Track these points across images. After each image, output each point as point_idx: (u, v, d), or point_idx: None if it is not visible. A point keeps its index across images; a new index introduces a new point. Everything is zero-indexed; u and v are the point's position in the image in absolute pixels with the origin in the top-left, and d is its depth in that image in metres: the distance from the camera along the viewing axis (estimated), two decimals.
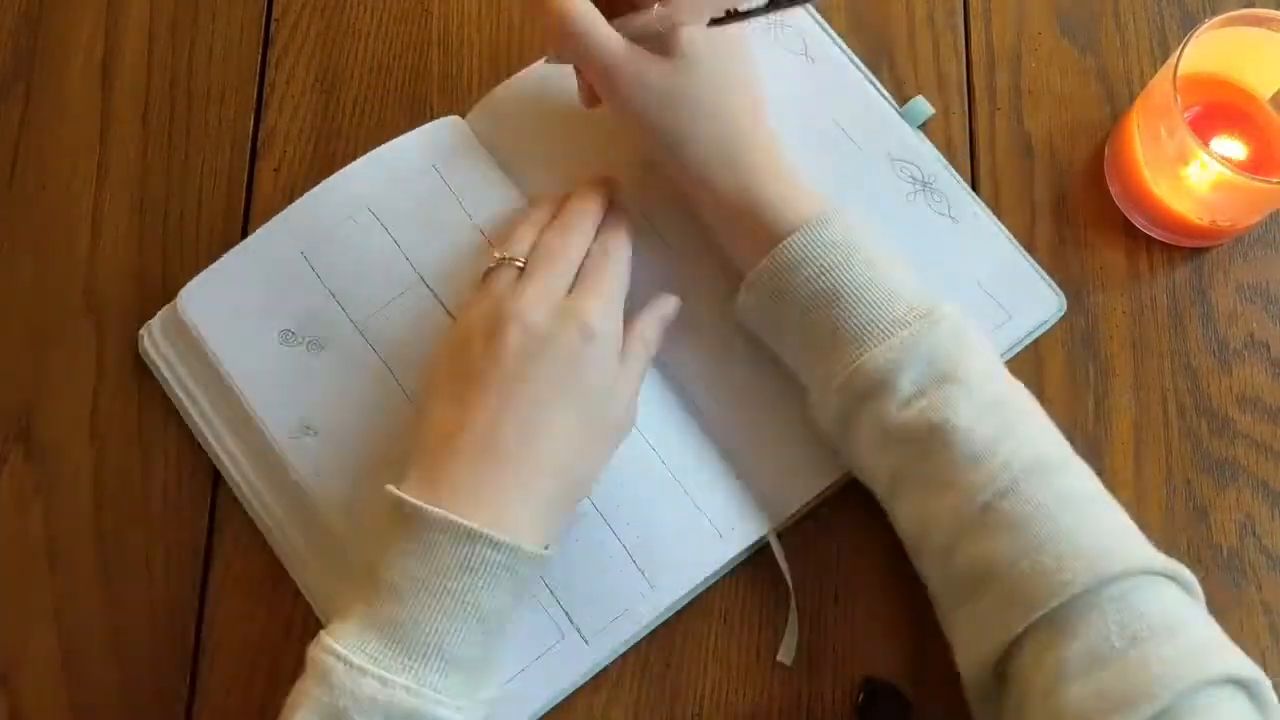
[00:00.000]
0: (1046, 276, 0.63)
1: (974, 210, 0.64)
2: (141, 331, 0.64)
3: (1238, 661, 0.49)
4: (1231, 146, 0.62)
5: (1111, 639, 0.48)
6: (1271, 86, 0.63)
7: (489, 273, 0.58)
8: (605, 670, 0.59)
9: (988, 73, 0.68)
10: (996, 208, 0.66)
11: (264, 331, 0.62)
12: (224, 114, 0.68)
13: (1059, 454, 0.54)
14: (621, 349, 0.57)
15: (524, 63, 0.68)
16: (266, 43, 0.70)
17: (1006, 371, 0.56)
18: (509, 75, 0.67)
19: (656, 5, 0.56)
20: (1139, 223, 0.65)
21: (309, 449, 0.60)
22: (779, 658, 0.59)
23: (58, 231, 0.66)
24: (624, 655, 0.60)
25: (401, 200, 0.63)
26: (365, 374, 0.61)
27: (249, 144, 0.68)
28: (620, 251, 0.60)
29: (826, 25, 0.67)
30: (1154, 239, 0.65)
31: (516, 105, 0.66)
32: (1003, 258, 0.64)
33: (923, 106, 0.66)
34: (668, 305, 0.61)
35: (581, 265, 0.58)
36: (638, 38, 0.57)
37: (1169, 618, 0.49)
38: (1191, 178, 0.60)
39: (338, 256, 0.63)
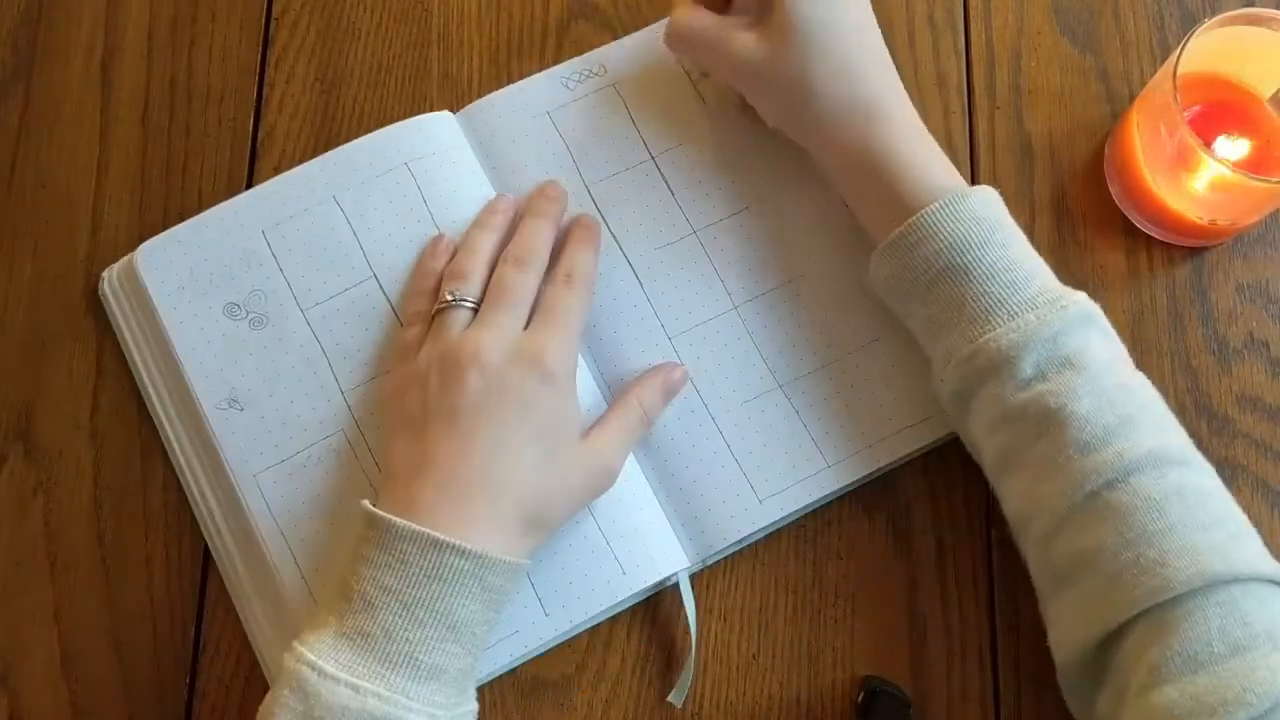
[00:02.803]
0: None
1: None
2: (104, 274, 0.64)
3: None
4: (1232, 146, 0.62)
5: (1213, 644, 0.48)
6: (1271, 86, 0.63)
7: (441, 311, 0.58)
8: (605, 669, 0.60)
9: (987, 72, 0.68)
10: None
11: (211, 301, 0.62)
12: (224, 114, 0.68)
13: (1178, 449, 0.53)
14: (614, 404, 0.59)
15: (524, 63, 0.68)
16: (266, 43, 0.70)
17: (1131, 365, 0.56)
18: (509, 75, 0.68)
19: None
20: (1139, 222, 0.65)
21: (233, 422, 0.61)
22: (669, 699, 0.59)
23: (58, 231, 0.66)
24: (624, 654, 0.60)
25: (369, 195, 0.64)
26: (300, 357, 0.62)
27: (249, 144, 0.68)
28: (582, 279, 0.60)
29: None
30: (1154, 239, 0.65)
31: (510, 110, 0.66)
32: None
33: None
34: (675, 376, 0.61)
35: (540, 293, 0.59)
36: (750, 7, 0.59)
37: (1274, 628, 0.48)
38: (1191, 177, 0.60)
39: (297, 241, 0.63)
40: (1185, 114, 0.58)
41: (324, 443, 0.61)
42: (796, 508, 0.61)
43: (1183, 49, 0.58)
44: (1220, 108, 0.63)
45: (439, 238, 0.63)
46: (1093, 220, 0.66)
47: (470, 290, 0.59)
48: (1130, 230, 0.65)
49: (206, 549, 0.61)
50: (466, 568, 0.52)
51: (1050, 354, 0.53)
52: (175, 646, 0.60)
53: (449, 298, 0.58)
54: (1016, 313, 0.54)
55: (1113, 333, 0.56)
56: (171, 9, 0.70)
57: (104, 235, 0.66)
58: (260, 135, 0.68)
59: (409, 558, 0.52)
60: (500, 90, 0.67)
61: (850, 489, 0.61)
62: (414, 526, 0.52)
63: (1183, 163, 0.60)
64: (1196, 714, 0.46)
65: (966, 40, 0.69)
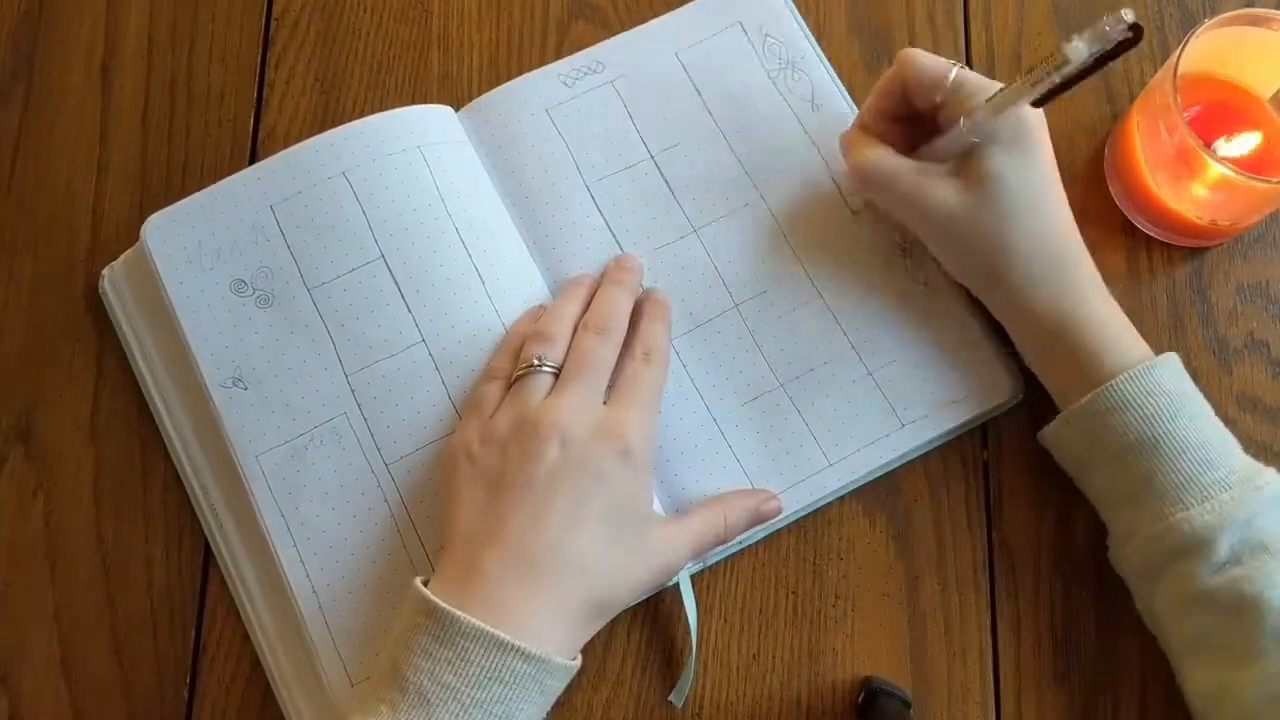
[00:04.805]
0: (1008, 363, 0.62)
1: (947, 283, 0.64)
2: (104, 271, 0.64)
3: None
4: (1232, 146, 0.62)
5: None
6: (1271, 86, 0.63)
7: (521, 376, 0.57)
8: (605, 669, 0.60)
9: (987, 72, 0.68)
10: None
11: (218, 276, 0.62)
12: (224, 114, 0.68)
13: None
14: (702, 507, 0.58)
15: (524, 63, 0.68)
16: (266, 43, 0.70)
17: None
18: (509, 75, 0.68)
19: (962, 119, 0.56)
20: (1139, 223, 0.65)
21: (237, 401, 0.61)
22: (669, 699, 0.59)
23: (58, 231, 0.66)
24: (624, 654, 0.60)
25: (380, 175, 0.63)
26: (305, 338, 0.62)
27: (249, 144, 0.68)
28: (659, 356, 0.59)
29: (836, 77, 0.67)
30: (1154, 239, 0.65)
31: (511, 109, 0.66)
32: (965, 340, 0.62)
33: None
34: (769, 507, 0.60)
35: (618, 367, 0.58)
36: (947, 157, 0.58)
37: None
38: (1191, 178, 0.60)
39: (305, 218, 0.63)
40: (1185, 114, 0.58)
41: (327, 425, 0.61)
42: (796, 508, 0.61)
43: (1183, 49, 0.58)
44: (1220, 108, 0.63)
45: (533, 308, 0.62)
46: (1093, 220, 0.66)
47: (554, 355, 0.58)
48: (1130, 230, 0.65)
49: (207, 549, 0.61)
50: (528, 671, 0.50)
51: (1245, 537, 0.52)
52: (175, 647, 0.60)
53: (534, 361, 0.57)
54: (1210, 493, 0.53)
55: None
56: (171, 9, 0.70)
57: (104, 235, 0.66)
58: (260, 135, 0.68)
59: (470, 656, 0.50)
60: (498, 88, 0.67)
61: (850, 489, 0.61)
62: (480, 626, 0.50)
63: (1183, 163, 0.60)
64: None
65: (966, 40, 0.69)
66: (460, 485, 0.56)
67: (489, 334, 0.62)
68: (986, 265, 0.58)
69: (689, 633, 0.59)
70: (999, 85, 0.56)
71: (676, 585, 0.59)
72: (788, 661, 0.60)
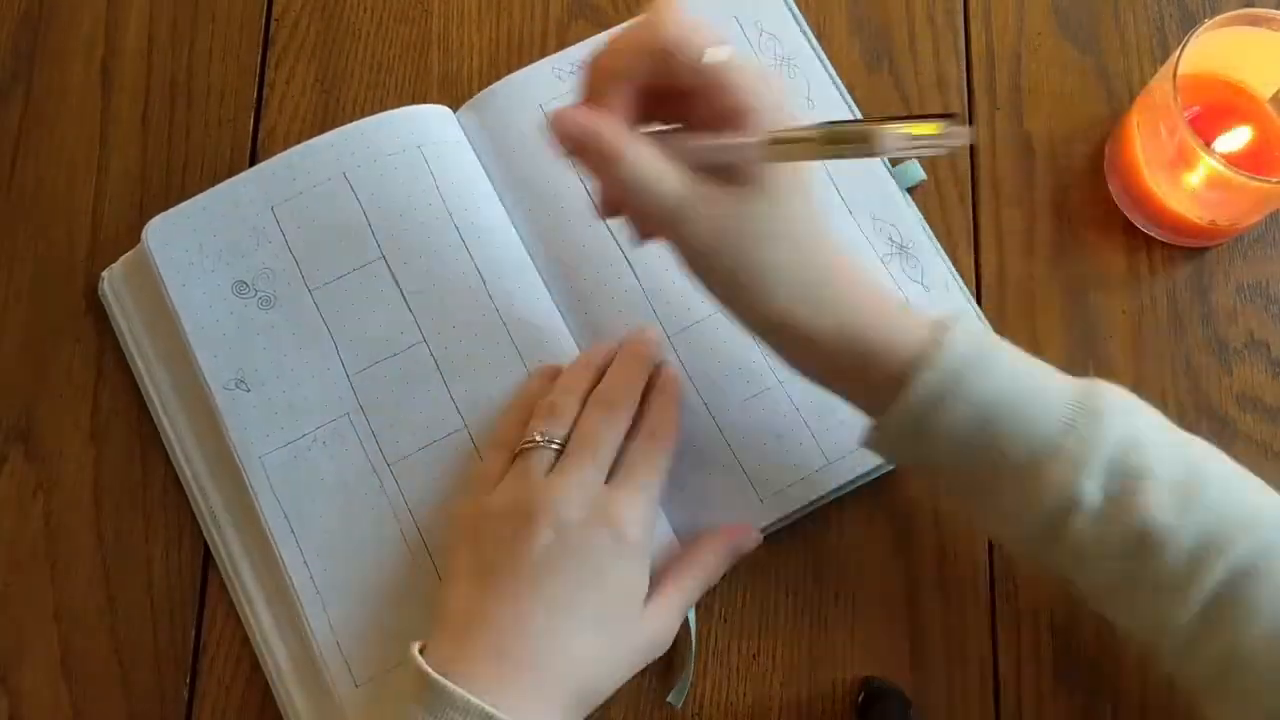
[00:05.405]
0: None
1: (946, 281, 0.64)
2: (103, 273, 0.64)
3: None
4: (1232, 146, 0.62)
5: None
6: (1271, 86, 0.63)
7: (524, 451, 0.56)
8: None
9: (988, 73, 0.68)
10: (997, 208, 0.66)
11: (219, 278, 0.62)
12: (224, 114, 0.68)
13: (1266, 510, 0.49)
14: (678, 570, 0.56)
15: (524, 63, 0.68)
16: (266, 43, 0.70)
17: (1179, 431, 0.52)
18: (509, 75, 0.67)
19: (741, 135, 0.49)
20: (1139, 222, 0.65)
21: (240, 402, 0.61)
22: (669, 699, 0.59)
23: (58, 232, 0.66)
24: None
25: (380, 175, 0.63)
26: (308, 338, 0.61)
27: (249, 144, 0.68)
28: (666, 435, 0.58)
29: (835, 75, 0.67)
30: (1154, 239, 0.65)
31: (506, 106, 0.66)
32: None
33: (915, 170, 0.65)
34: (746, 541, 0.59)
35: (624, 446, 0.56)
36: (706, 166, 0.50)
37: None
38: (1191, 178, 0.60)
39: (306, 218, 0.63)
40: (1185, 114, 0.58)
41: (329, 426, 0.60)
42: (797, 507, 0.61)
43: (1183, 49, 0.58)
44: (1220, 108, 0.63)
45: (546, 367, 0.60)
46: (1093, 220, 0.66)
47: (558, 431, 0.56)
48: (1130, 230, 0.65)
49: (207, 549, 0.61)
50: None
51: (1107, 473, 0.49)
52: (175, 646, 0.60)
53: (537, 437, 0.56)
54: (1053, 446, 0.49)
55: (1147, 410, 0.52)
56: (171, 9, 0.70)
57: (104, 235, 0.66)
58: (260, 135, 0.68)
59: None
60: (495, 84, 0.67)
61: (850, 489, 0.61)
62: (469, 699, 0.49)
63: (1183, 163, 0.60)
64: None
65: (966, 40, 0.69)
66: (454, 562, 0.55)
67: (490, 333, 0.62)
68: (746, 287, 0.52)
69: (689, 633, 0.59)
70: (777, 97, 0.49)
71: None
72: (788, 661, 0.60)
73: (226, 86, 0.69)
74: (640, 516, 0.54)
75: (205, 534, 0.61)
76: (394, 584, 0.59)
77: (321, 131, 0.65)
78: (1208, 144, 0.59)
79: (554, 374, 0.60)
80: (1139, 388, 0.62)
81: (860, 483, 0.61)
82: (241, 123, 0.68)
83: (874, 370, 0.51)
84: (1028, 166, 0.67)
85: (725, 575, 0.60)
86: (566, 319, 0.63)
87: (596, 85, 0.50)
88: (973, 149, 0.67)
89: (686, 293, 0.63)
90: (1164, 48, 0.68)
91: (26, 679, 0.60)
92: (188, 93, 0.69)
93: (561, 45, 0.69)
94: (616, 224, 0.64)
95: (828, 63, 0.67)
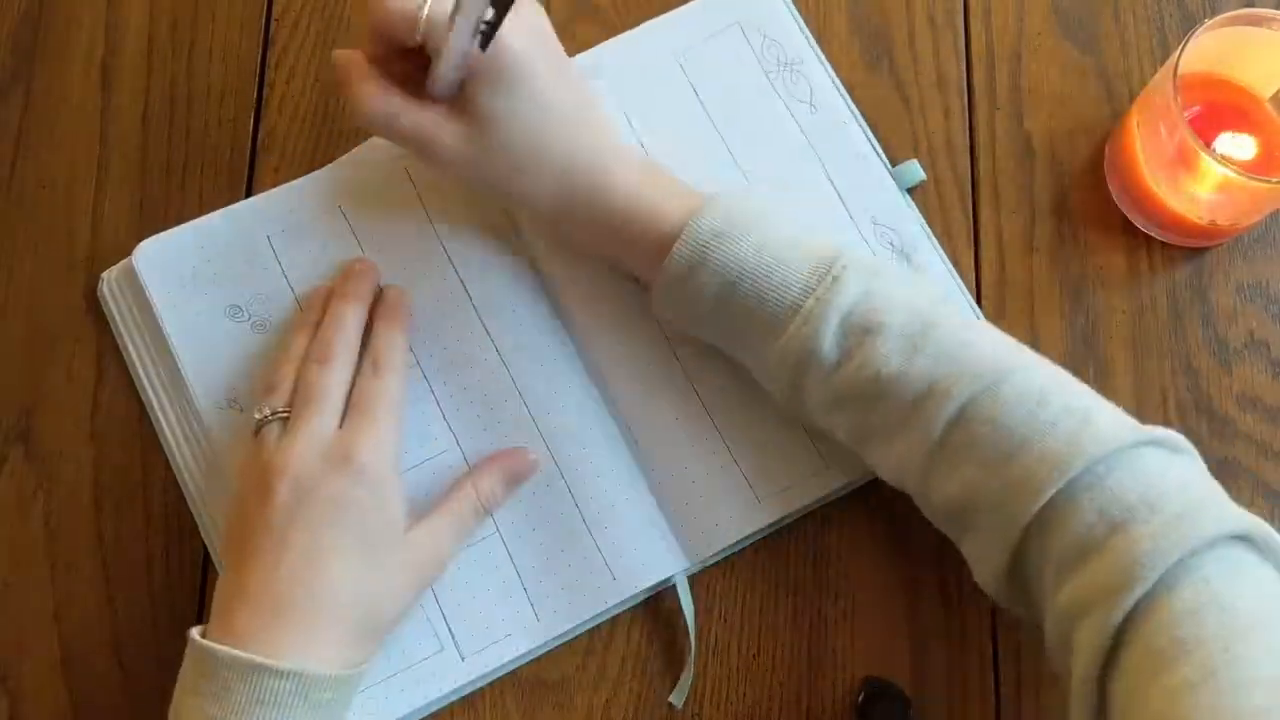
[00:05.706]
0: None
1: (946, 285, 0.64)
2: (103, 275, 0.64)
3: (1233, 517, 0.48)
4: (1232, 146, 0.62)
5: (1094, 527, 0.48)
6: (1271, 86, 0.63)
7: (258, 428, 0.57)
8: (605, 669, 0.60)
9: (988, 73, 0.68)
10: (996, 208, 0.66)
11: (213, 302, 0.63)
12: (224, 114, 0.68)
13: (1001, 361, 0.53)
14: (449, 493, 0.58)
15: None
16: (266, 43, 0.70)
17: (928, 292, 0.56)
18: None
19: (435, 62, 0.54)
20: (1139, 223, 0.65)
21: (231, 422, 0.61)
22: (669, 699, 0.59)
23: (58, 231, 0.66)
24: (624, 654, 0.60)
25: (374, 206, 0.64)
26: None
27: (249, 144, 0.68)
28: (389, 365, 0.58)
29: (836, 77, 0.67)
30: (1154, 239, 0.65)
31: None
32: None
33: (915, 170, 0.65)
34: (522, 465, 0.60)
35: (352, 387, 0.57)
36: (440, 97, 0.55)
37: (1148, 492, 0.48)
38: (1191, 177, 0.60)
39: (302, 250, 0.63)
40: (1185, 114, 0.58)
41: None
42: (796, 507, 0.61)
43: (1183, 49, 0.58)
44: (1220, 108, 0.63)
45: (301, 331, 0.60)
46: (1093, 220, 0.66)
47: (278, 401, 0.57)
48: (1130, 230, 0.65)
49: (206, 549, 0.61)
50: (288, 688, 0.50)
51: (843, 330, 0.54)
52: (175, 646, 0.60)
53: (259, 415, 0.57)
54: (798, 304, 0.54)
55: (895, 272, 0.56)
56: (171, 9, 0.70)
57: (104, 235, 0.66)
58: (260, 135, 0.68)
59: (231, 685, 0.50)
60: None
61: (850, 489, 0.61)
62: (231, 651, 0.50)
63: (1183, 163, 0.60)
64: (1099, 598, 0.47)
65: (966, 40, 0.69)
66: (223, 544, 0.58)
67: (480, 352, 0.62)
68: (514, 198, 0.58)
69: (688, 633, 0.59)
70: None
71: (674, 587, 0.59)
72: (788, 661, 0.60)
73: (226, 86, 0.69)
74: (371, 446, 0.55)
75: (205, 534, 0.61)
76: None
77: (321, 132, 0.66)
78: (1208, 144, 0.59)
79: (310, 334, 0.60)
80: (1139, 388, 0.63)
81: (860, 483, 0.61)
82: (241, 123, 0.68)
83: (648, 244, 0.56)
84: (1028, 166, 0.67)
85: (725, 575, 0.60)
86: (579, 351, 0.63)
87: (378, 56, 0.56)
88: (973, 149, 0.67)
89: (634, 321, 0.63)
90: (1164, 48, 0.68)
91: (26, 679, 0.60)
92: (188, 93, 0.69)
93: (562, 45, 0.68)
94: None
95: (829, 66, 0.67)
